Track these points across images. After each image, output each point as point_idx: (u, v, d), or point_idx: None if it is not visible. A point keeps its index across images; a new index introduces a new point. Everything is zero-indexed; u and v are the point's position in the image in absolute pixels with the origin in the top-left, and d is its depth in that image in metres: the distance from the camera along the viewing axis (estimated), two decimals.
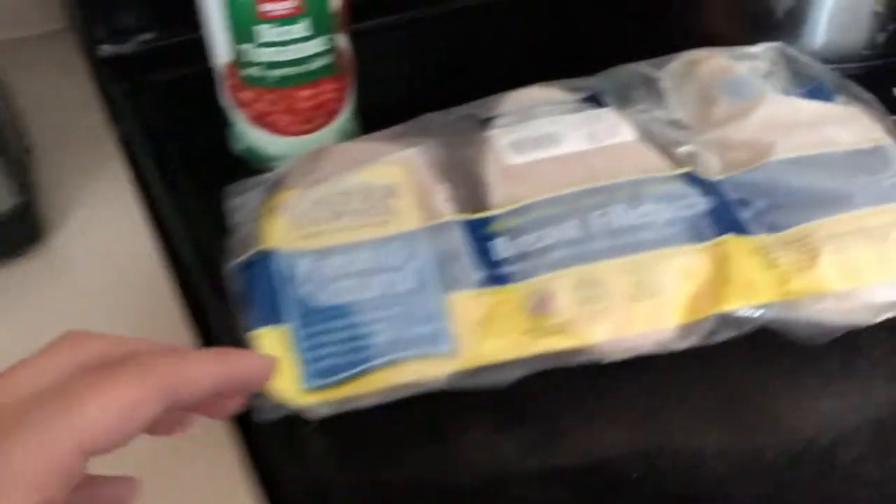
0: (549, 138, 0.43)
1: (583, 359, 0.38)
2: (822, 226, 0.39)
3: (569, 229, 0.39)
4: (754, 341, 0.39)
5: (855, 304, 0.39)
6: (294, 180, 0.44)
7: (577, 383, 0.39)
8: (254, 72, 0.50)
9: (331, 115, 0.53)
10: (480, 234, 0.40)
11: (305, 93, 0.51)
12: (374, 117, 0.56)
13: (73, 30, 0.66)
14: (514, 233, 0.40)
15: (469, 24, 0.70)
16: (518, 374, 0.38)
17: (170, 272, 0.50)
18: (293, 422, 0.37)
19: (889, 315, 0.39)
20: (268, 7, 0.47)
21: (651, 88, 0.48)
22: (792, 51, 0.51)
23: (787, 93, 0.48)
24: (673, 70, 0.49)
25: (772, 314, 0.38)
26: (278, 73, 0.50)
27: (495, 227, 0.40)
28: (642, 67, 0.49)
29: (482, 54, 0.67)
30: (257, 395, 0.36)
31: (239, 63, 0.50)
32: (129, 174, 0.58)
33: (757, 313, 0.38)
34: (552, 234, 0.39)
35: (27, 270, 0.51)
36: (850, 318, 0.39)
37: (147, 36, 0.65)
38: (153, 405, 0.24)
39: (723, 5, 0.63)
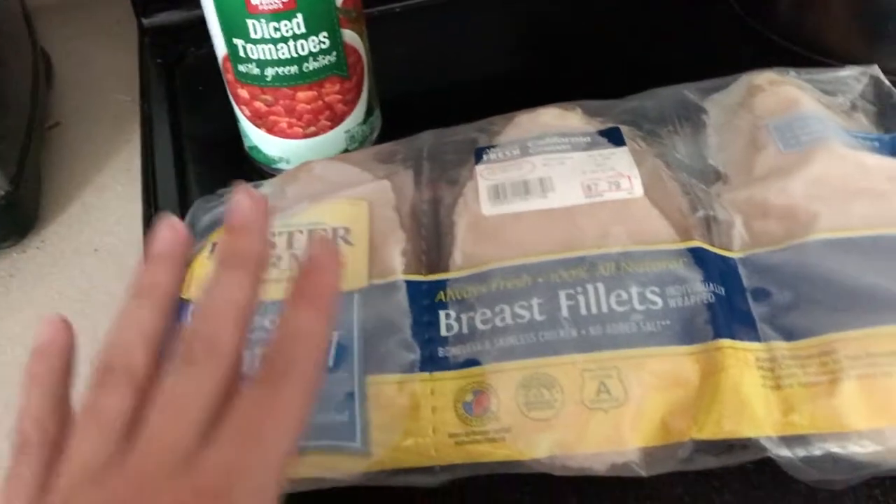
0: (538, 185, 0.36)
1: (521, 470, 0.31)
2: (853, 339, 0.30)
3: (529, 310, 0.32)
4: (748, 473, 0.31)
5: (885, 447, 0.30)
6: None
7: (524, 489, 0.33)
8: (247, 69, 0.45)
9: (337, 118, 0.47)
10: (429, 301, 0.34)
11: (305, 94, 0.46)
12: (396, 110, 0.51)
13: None
14: (465, 305, 0.33)
15: (508, 8, 0.62)
16: (445, 477, 0.32)
17: None
18: None
19: None
20: (258, 0, 0.42)
21: (692, 120, 0.40)
22: (886, 80, 0.40)
23: (865, 139, 0.38)
24: (723, 99, 0.40)
25: (770, 446, 0.30)
26: (272, 71, 0.44)
27: (448, 294, 0.34)
28: (687, 91, 0.41)
29: (519, 43, 0.59)
30: None
31: (232, 58, 0.45)
32: (141, 159, 0.55)
33: (751, 444, 0.30)
34: (507, 314, 0.32)
35: (15, 260, 0.49)
36: (877, 460, 0.30)
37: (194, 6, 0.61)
38: None
39: None
